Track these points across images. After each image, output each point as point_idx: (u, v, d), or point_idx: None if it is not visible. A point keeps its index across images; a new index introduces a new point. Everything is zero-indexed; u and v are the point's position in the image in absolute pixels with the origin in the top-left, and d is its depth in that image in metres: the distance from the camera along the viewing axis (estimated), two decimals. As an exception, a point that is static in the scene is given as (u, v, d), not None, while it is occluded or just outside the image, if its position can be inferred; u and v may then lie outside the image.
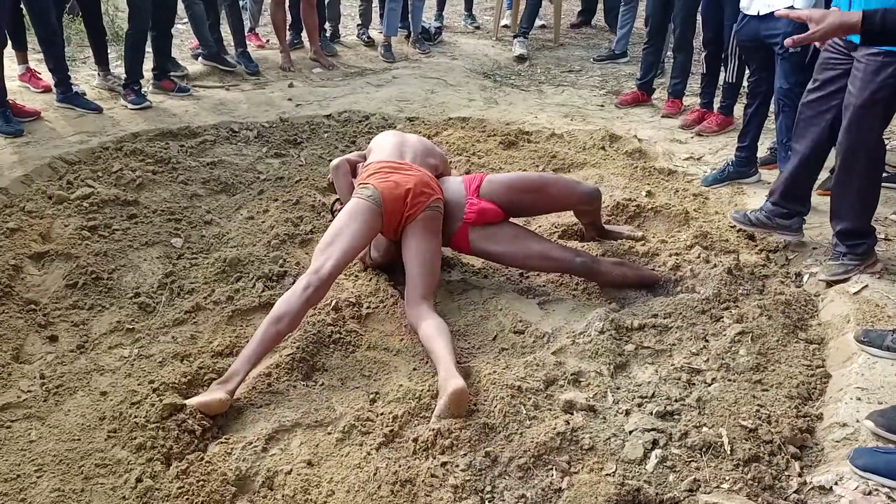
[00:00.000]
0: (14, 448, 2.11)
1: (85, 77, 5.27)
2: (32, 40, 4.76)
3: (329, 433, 2.18)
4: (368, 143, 3.28)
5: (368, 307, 2.78)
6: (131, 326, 2.68)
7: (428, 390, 2.28)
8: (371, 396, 2.32)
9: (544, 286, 2.94)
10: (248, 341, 2.55)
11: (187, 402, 2.21)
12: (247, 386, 2.34)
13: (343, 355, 2.55)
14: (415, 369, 2.39)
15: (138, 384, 2.35)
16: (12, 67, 4.82)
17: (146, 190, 3.60)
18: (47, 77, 4.71)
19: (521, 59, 6.65)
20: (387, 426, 2.17)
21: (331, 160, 4.08)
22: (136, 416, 2.18)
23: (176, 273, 2.99)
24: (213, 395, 2.23)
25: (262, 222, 3.43)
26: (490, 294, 2.88)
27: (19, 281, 2.81)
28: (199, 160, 4.00)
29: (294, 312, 2.39)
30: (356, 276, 3.03)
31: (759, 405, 2.22)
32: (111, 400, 2.29)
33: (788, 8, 3.06)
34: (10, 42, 4.36)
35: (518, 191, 2.87)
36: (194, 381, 2.37)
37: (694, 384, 2.35)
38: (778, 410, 2.21)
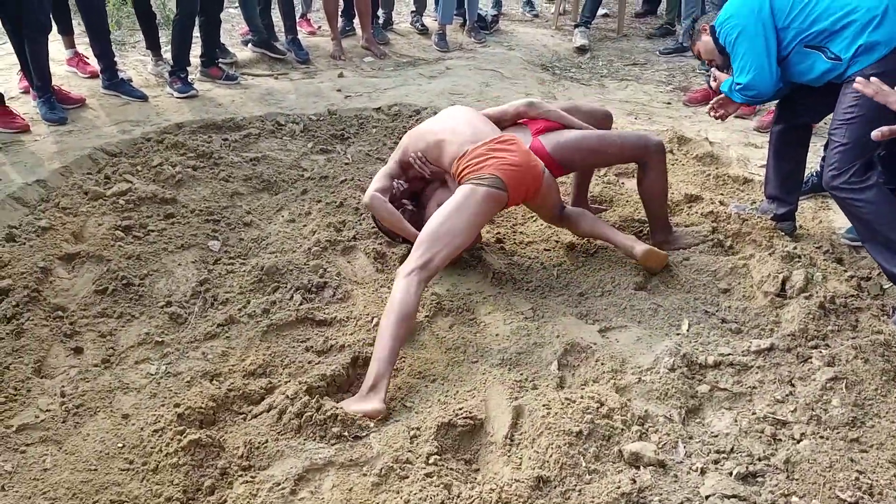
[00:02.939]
0: (27, 477, 1.96)
1: (133, 62, 5.19)
2: (80, 24, 4.66)
3: (365, 475, 1.97)
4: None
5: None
6: (160, 339, 2.53)
7: (471, 428, 2.08)
8: (412, 433, 2.10)
9: (606, 310, 2.68)
10: (282, 359, 2.41)
11: (347, 408, 2.13)
12: (276, 412, 2.15)
13: (383, 380, 2.33)
14: (460, 408, 2.16)
15: (162, 406, 2.20)
16: (61, 51, 4.77)
17: (185, 187, 3.47)
18: (95, 62, 4.61)
19: (581, 50, 6.32)
20: (427, 471, 1.95)
21: (378, 158, 3.95)
22: (157, 446, 2.01)
23: (211, 280, 2.84)
24: (371, 404, 2.17)
25: (304, 226, 3.26)
26: (545, 317, 2.64)
27: (48, 285, 2.69)
28: (241, 155, 3.86)
29: (416, 309, 2.40)
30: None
31: (858, 471, 1.92)
32: (133, 424, 2.14)
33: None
34: (55, 26, 4.25)
35: (577, 151, 2.96)
36: (222, 406, 2.21)
37: (780, 440, 2.06)
38: (881, 479, 1.91)
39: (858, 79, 1.90)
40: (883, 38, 2.58)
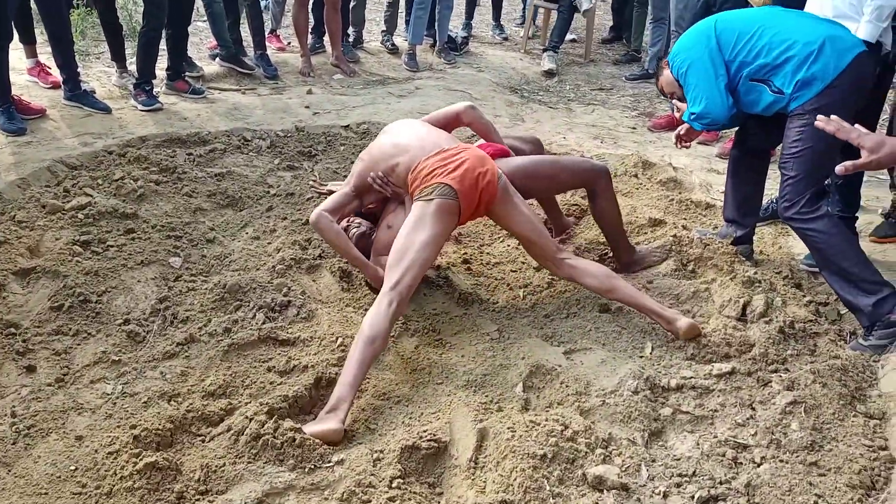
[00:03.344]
0: (-29, 501, 1.88)
1: (97, 74, 5.10)
2: (42, 33, 4.57)
3: (326, 499, 1.94)
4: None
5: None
6: (117, 358, 2.47)
7: (435, 451, 2.07)
8: (375, 455, 2.07)
9: (571, 332, 2.69)
10: (243, 380, 2.37)
11: (304, 429, 2.11)
12: (235, 434, 2.10)
13: (347, 400, 2.31)
14: (425, 430, 2.14)
15: (118, 427, 2.14)
16: (22, 60, 4.67)
17: (147, 201, 3.41)
18: (57, 72, 4.52)
19: (549, 73, 6.41)
20: (390, 495, 1.92)
21: (346, 176, 3.91)
22: (111, 469, 1.95)
23: (171, 298, 2.79)
24: (328, 425, 2.13)
25: (268, 244, 3.23)
26: (511, 339, 2.64)
27: (0, 301, 2.60)
28: (206, 170, 3.82)
29: (385, 331, 2.35)
30: (366, 309, 2.80)
31: (816, 495, 1.95)
32: (87, 446, 2.08)
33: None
34: (16, 35, 4.17)
35: (532, 178, 2.91)
36: (180, 427, 2.16)
37: (741, 463, 2.08)
38: (839, 503, 1.93)
39: (820, 117, 1.96)
40: (819, 74, 2.66)
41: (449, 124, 3.05)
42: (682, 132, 3.16)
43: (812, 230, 2.69)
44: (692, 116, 2.97)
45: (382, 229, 3.00)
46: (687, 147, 3.24)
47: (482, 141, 3.10)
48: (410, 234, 2.54)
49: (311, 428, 2.13)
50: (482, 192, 2.62)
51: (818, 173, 2.74)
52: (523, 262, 3.18)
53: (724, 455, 2.11)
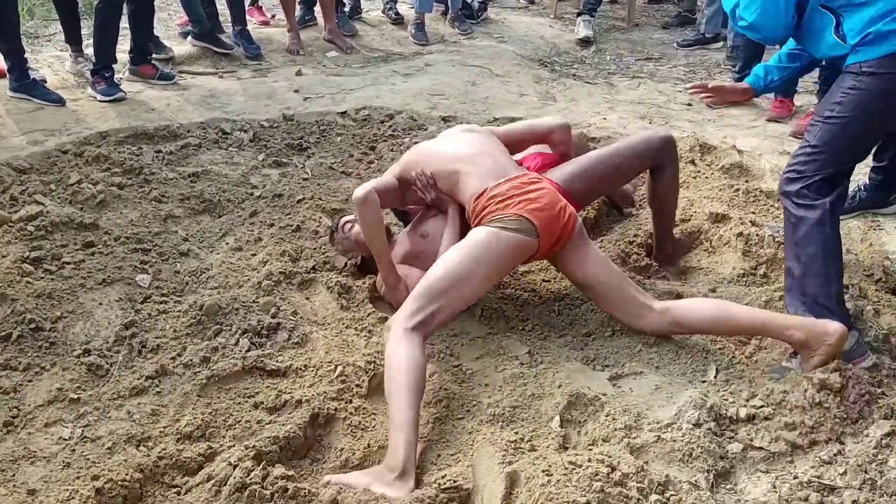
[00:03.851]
0: None
1: (48, 59, 5.19)
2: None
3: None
4: (396, 151, 3.11)
5: (381, 376, 2.51)
6: (76, 396, 2.50)
7: (456, 502, 2.07)
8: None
9: (617, 353, 2.68)
10: (226, 419, 2.39)
11: (372, 487, 2.07)
12: (217, 483, 2.11)
13: (351, 441, 2.35)
14: (443, 476, 2.13)
15: (78, 479, 2.17)
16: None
17: (109, 209, 3.47)
18: (1, 60, 4.60)
19: (585, 42, 6.42)
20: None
21: (343, 172, 3.96)
22: (69, 530, 1.96)
23: (138, 323, 2.82)
24: (402, 492, 2.08)
25: (253, 255, 3.26)
26: (545, 363, 2.64)
27: (-63, 331, 2.64)
28: (178, 170, 3.87)
29: (425, 362, 2.38)
30: (369, 331, 2.86)
31: (921, 546, 1.91)
32: (41, 502, 2.10)
33: None
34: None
35: (593, 178, 3.01)
36: (151, 478, 2.18)
37: (828, 510, 2.05)
38: (950, 556, 1.90)
39: None
40: None
41: (526, 141, 3.11)
42: (709, 84, 3.12)
43: (800, 220, 2.64)
44: (742, 23, 2.82)
45: (413, 236, 3.05)
46: (711, 106, 3.20)
47: (523, 154, 3.18)
48: (466, 261, 2.53)
49: (379, 489, 2.08)
50: (561, 232, 2.65)
51: (844, 155, 2.64)
52: (558, 271, 3.17)
53: (806, 499, 2.09)
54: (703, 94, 3.17)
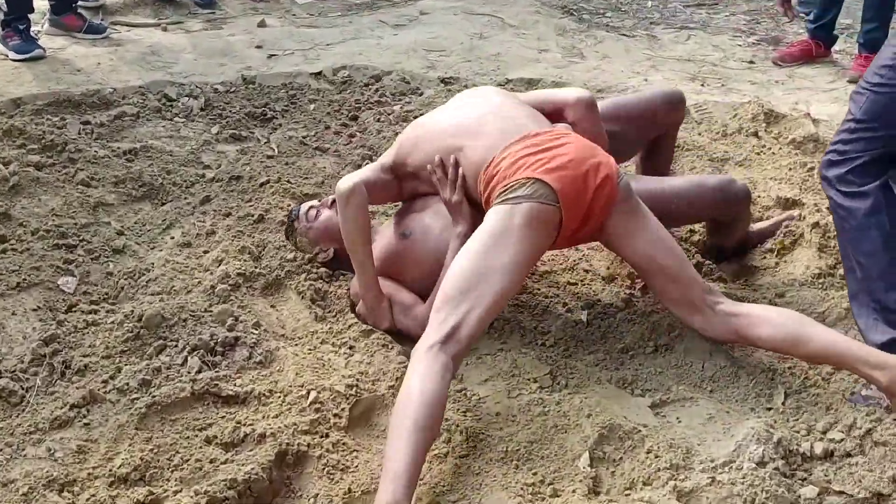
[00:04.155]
0: None
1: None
2: None
3: None
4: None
5: (365, 403, 2.59)
6: (-17, 429, 2.50)
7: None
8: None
9: (661, 374, 2.69)
10: (171, 457, 2.39)
11: None
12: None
13: (327, 485, 2.34)
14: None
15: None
16: None
17: (24, 195, 3.47)
18: None
19: (621, -16, 6.43)
20: None
21: (318, 149, 3.95)
22: None
23: (61, 338, 2.81)
24: None
25: (205, 253, 3.28)
26: (571, 387, 2.66)
27: None
28: (111, 146, 3.88)
29: (443, 398, 2.30)
30: (350, 347, 2.86)
31: None
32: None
33: None
34: None
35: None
36: (78, 531, 2.17)
37: (925, 569, 2.06)
38: None
39: None
40: None
41: (543, 113, 3.05)
42: None
43: (848, 212, 2.65)
44: None
45: (393, 236, 3.04)
46: (780, 63, 3.27)
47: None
48: (486, 253, 2.52)
49: None
50: (594, 195, 2.59)
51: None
52: (587, 271, 3.18)
53: (897, 558, 2.10)
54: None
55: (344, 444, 2.45)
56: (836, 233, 2.99)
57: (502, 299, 2.53)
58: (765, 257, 3.31)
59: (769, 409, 2.53)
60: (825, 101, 4.51)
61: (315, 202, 3.25)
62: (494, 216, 2.57)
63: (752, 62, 5.13)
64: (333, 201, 3.12)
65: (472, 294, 2.45)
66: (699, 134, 4.17)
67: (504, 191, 2.60)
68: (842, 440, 2.39)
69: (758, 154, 3.95)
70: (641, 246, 2.65)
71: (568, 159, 2.59)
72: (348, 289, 3.11)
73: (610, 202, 2.61)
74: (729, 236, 3.32)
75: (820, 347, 2.50)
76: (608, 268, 3.17)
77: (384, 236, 3.09)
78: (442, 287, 2.53)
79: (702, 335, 2.71)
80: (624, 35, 5.60)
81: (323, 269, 3.21)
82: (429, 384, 2.28)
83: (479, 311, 2.43)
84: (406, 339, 2.88)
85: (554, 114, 3.01)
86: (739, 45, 5.40)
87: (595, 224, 2.65)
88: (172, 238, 3.37)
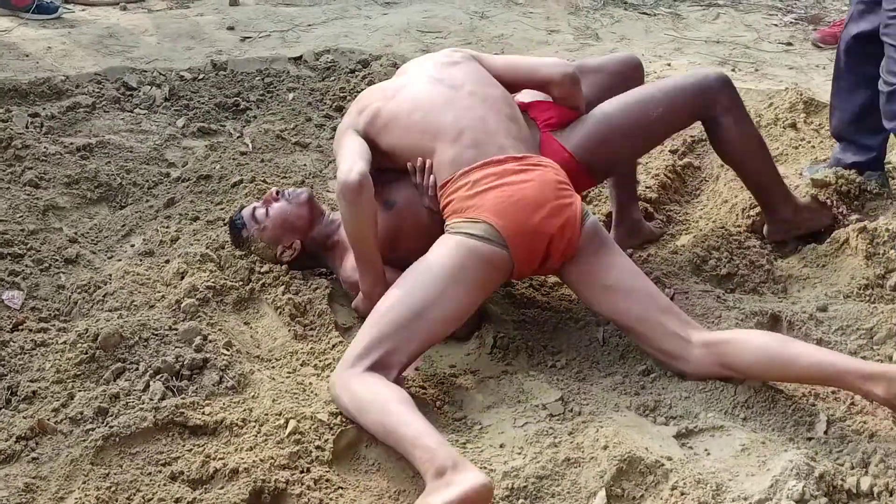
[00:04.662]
0: None
1: None
2: None
3: None
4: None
5: (351, 434, 2.58)
6: (-83, 465, 2.50)
7: None
8: None
9: (687, 399, 2.69)
10: (131, 495, 2.39)
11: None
12: None
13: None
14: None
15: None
16: None
17: (-36, 198, 3.47)
18: None
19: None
20: None
21: (298, 144, 3.95)
22: None
23: (6, 361, 2.82)
24: (476, 479, 2.20)
25: (168, 262, 3.27)
26: (584, 414, 2.66)
27: None
28: (63, 142, 3.90)
29: (407, 397, 2.50)
30: (333, 367, 2.82)
31: None
32: None
33: None
34: None
35: (609, 142, 3.13)
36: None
37: None
38: None
39: None
40: None
41: (523, 86, 3.23)
42: None
43: None
44: None
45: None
46: (820, 45, 3.36)
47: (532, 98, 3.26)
48: (435, 281, 2.67)
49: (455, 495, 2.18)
50: (554, 238, 2.74)
51: None
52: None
53: None
54: None
55: (327, 480, 2.44)
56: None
57: (444, 332, 2.73)
58: (805, 267, 3.30)
59: (810, 438, 2.53)
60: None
61: (255, 203, 3.28)
62: (449, 244, 2.72)
63: (789, 44, 5.13)
64: (278, 192, 3.22)
65: (414, 325, 2.62)
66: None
67: (459, 221, 2.74)
68: (891, 474, 2.39)
69: (795, 148, 3.96)
70: (614, 282, 2.78)
71: (527, 201, 2.73)
72: (328, 280, 3.15)
73: (570, 246, 2.78)
74: (745, 145, 3.27)
75: (805, 366, 2.56)
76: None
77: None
78: (375, 309, 2.67)
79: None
80: (644, 13, 5.61)
81: (300, 281, 3.20)
82: (378, 382, 2.50)
83: (415, 344, 2.64)
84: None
85: (535, 87, 3.23)
86: (775, 25, 5.40)
87: (554, 264, 2.83)
88: (133, 246, 3.38)
